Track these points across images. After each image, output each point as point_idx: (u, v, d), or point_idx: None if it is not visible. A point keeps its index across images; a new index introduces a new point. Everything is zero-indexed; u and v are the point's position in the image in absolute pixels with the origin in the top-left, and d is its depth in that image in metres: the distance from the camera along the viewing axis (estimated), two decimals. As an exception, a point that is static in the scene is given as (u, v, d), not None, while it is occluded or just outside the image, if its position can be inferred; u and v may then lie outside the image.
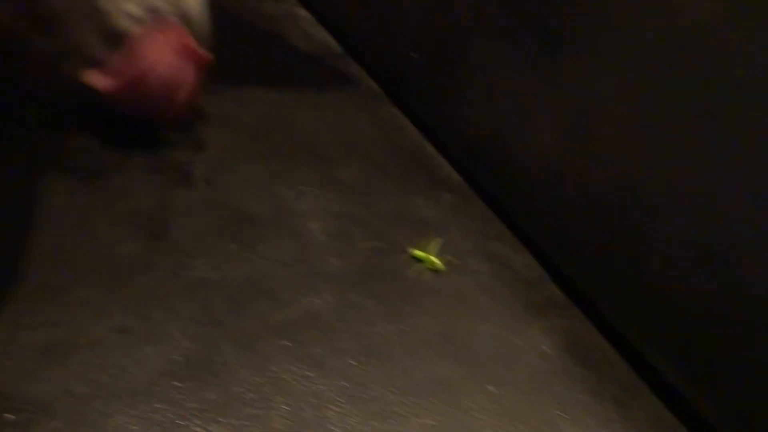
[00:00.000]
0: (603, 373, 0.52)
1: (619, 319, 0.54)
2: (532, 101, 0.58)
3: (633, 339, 0.53)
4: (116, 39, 0.49)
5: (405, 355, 0.48)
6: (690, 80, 0.46)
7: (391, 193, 0.64)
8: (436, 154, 0.72)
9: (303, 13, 0.93)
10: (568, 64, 0.54)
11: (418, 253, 0.55)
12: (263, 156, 0.63)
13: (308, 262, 0.53)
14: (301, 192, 0.60)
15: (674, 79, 0.47)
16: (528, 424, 0.45)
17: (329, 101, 0.76)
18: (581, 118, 0.54)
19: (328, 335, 0.47)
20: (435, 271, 0.55)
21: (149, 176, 0.56)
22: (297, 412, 0.42)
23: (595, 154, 0.53)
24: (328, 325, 0.48)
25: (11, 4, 0.48)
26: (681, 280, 0.48)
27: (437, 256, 0.56)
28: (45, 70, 0.51)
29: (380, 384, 0.45)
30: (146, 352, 0.43)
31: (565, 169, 0.56)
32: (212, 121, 0.64)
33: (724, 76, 0.44)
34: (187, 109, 0.53)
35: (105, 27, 0.48)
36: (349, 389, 0.44)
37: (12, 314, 0.42)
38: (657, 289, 0.50)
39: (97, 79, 0.49)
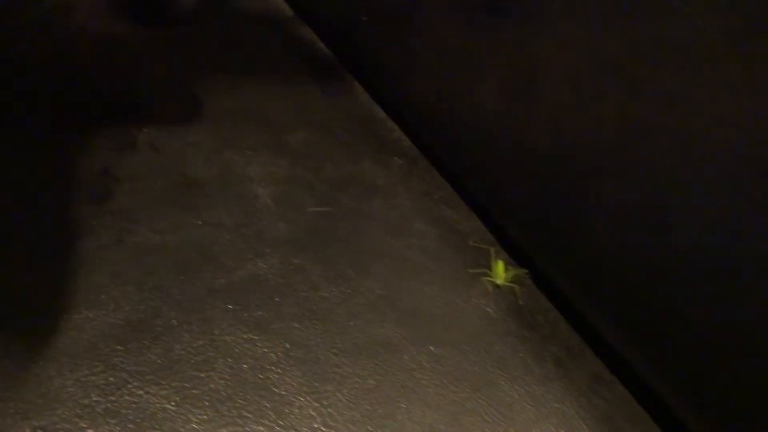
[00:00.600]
0: (546, 334, 0.53)
1: (561, 280, 0.55)
2: (477, 63, 0.58)
3: (575, 300, 0.54)
4: None
5: (348, 317, 0.48)
6: (629, 42, 0.46)
7: (340, 158, 0.64)
8: (387, 118, 0.72)
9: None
10: (512, 27, 0.55)
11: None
12: (210, 122, 0.62)
13: (254, 226, 0.53)
14: (248, 157, 0.59)
15: (614, 41, 0.47)
16: (468, 383, 0.46)
17: (279, 66, 0.76)
18: (523, 78, 0.54)
19: (272, 299, 0.48)
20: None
21: (94, 141, 0.55)
22: (238, 373, 0.42)
23: (536, 114, 0.53)
24: (273, 289, 0.48)
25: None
26: (624, 242, 0.49)
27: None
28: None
29: (322, 346, 0.46)
30: (87, 316, 0.43)
31: (508, 130, 0.56)
32: (158, 87, 0.64)
33: (663, 38, 0.45)
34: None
35: None
36: (291, 351, 0.44)
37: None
38: (600, 250, 0.50)
39: None
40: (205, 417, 0.40)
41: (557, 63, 0.49)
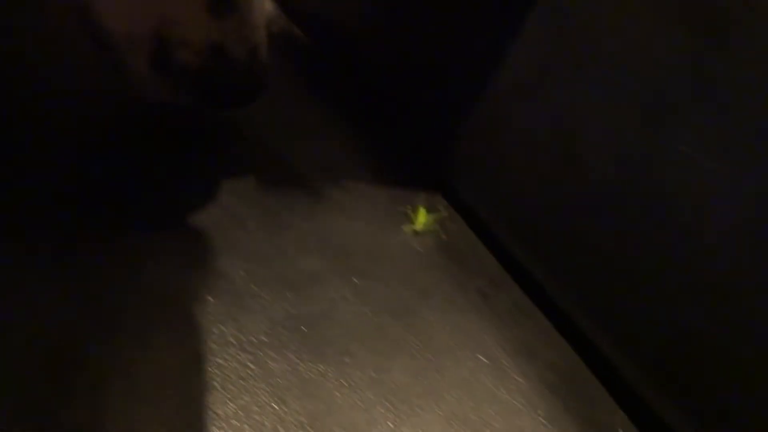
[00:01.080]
0: (471, 267, 0.55)
1: (486, 212, 0.57)
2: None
3: (498, 232, 0.56)
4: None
5: (275, 252, 0.50)
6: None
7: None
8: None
9: None
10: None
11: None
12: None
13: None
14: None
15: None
16: (389, 312, 0.48)
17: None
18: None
19: (200, 238, 0.49)
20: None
21: None
22: (165, 306, 0.44)
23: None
24: (201, 230, 0.50)
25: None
26: (538, 170, 0.51)
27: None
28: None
29: (246, 279, 0.47)
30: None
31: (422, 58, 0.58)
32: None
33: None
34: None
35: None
36: (214, 283, 0.46)
37: None
38: (517, 178, 0.52)
39: None
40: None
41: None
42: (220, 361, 0.41)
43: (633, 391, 0.47)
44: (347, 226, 0.54)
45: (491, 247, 0.57)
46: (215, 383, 0.39)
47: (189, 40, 0.46)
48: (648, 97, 0.42)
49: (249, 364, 0.41)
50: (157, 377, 0.39)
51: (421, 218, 0.55)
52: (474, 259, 0.56)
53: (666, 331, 0.43)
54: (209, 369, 0.40)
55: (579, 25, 0.46)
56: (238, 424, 0.38)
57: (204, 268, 0.47)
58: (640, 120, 0.42)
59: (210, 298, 0.45)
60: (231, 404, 0.39)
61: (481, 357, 0.47)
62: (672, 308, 0.42)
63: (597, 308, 0.49)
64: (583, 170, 0.46)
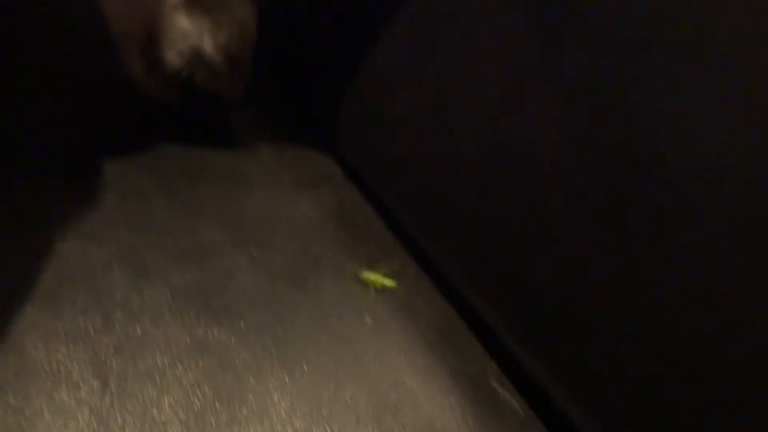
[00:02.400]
0: (361, 233, 0.60)
1: (376, 185, 0.62)
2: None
3: (385, 200, 0.61)
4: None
5: (176, 224, 0.53)
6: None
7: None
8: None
9: None
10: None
11: (368, 276, 0.55)
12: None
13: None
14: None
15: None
16: (283, 279, 0.52)
17: None
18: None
19: (103, 212, 0.52)
20: (384, 288, 0.55)
21: None
22: (71, 276, 0.47)
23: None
24: (106, 202, 0.53)
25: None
26: (421, 149, 0.56)
27: (385, 275, 0.56)
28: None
29: (149, 250, 0.51)
30: None
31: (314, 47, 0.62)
32: None
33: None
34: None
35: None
36: (119, 254, 0.49)
37: None
38: (400, 150, 0.57)
39: None
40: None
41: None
42: (124, 327, 0.44)
43: (503, 345, 0.53)
44: (246, 196, 0.58)
45: (380, 214, 0.61)
46: (122, 347, 0.43)
47: (174, 41, 0.51)
48: (506, 84, 0.47)
49: (150, 329, 0.45)
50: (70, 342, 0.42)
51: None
52: (364, 225, 0.61)
53: (525, 286, 0.49)
54: (115, 333, 0.44)
55: (450, 21, 0.50)
56: (139, 384, 0.42)
57: (108, 239, 0.50)
58: (499, 102, 0.47)
59: (115, 267, 0.48)
60: (132, 367, 0.42)
61: (366, 318, 0.52)
62: (527, 265, 0.48)
63: (470, 269, 0.54)
64: (453, 145, 0.52)
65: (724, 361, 0.38)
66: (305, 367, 0.46)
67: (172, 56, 0.52)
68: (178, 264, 0.50)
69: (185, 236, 0.53)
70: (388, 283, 0.54)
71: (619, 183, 0.42)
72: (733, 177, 0.37)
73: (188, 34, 0.51)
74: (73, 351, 0.42)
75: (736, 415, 0.37)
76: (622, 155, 0.42)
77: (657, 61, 0.39)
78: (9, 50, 0.52)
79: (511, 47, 0.47)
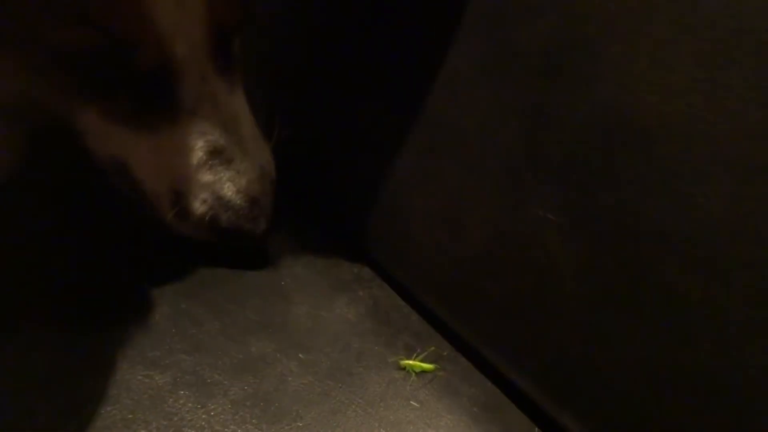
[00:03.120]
0: (397, 326, 0.65)
1: (405, 279, 0.67)
2: None
3: (417, 292, 0.66)
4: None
5: (229, 342, 0.59)
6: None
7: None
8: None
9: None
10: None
11: (407, 363, 0.60)
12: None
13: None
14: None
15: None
16: (330, 377, 0.57)
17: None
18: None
19: (161, 338, 0.58)
20: (424, 371, 0.60)
21: None
22: (143, 402, 0.52)
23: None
24: (163, 332, 0.59)
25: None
26: (434, 241, 0.61)
27: (423, 361, 0.60)
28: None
29: (209, 369, 0.56)
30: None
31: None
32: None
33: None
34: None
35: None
36: (181, 377, 0.55)
37: None
38: (418, 250, 0.63)
39: None
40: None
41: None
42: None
43: (543, 411, 0.57)
44: (288, 307, 0.64)
45: (413, 307, 0.67)
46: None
47: (197, 193, 0.58)
48: (503, 180, 0.53)
49: (219, 440, 0.50)
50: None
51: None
52: (399, 319, 0.66)
53: (550, 354, 0.53)
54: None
55: (445, 132, 0.57)
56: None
57: (170, 364, 0.56)
58: (500, 197, 0.53)
59: (180, 390, 0.54)
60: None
61: (412, 402, 0.56)
62: (549, 336, 0.53)
63: (501, 345, 0.59)
64: (466, 238, 0.57)
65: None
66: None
67: (197, 204, 0.58)
68: (236, 378, 0.55)
69: (239, 351, 0.58)
70: (427, 367, 0.58)
71: (619, 251, 0.47)
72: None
73: (211, 184, 0.57)
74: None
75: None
76: (616, 226, 0.47)
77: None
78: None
79: (501, 147, 0.53)
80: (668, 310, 0.45)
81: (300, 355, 0.59)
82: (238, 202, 0.60)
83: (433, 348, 0.60)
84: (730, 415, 0.43)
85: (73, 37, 0.47)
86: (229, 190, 0.59)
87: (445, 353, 0.63)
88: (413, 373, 0.58)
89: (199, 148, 0.56)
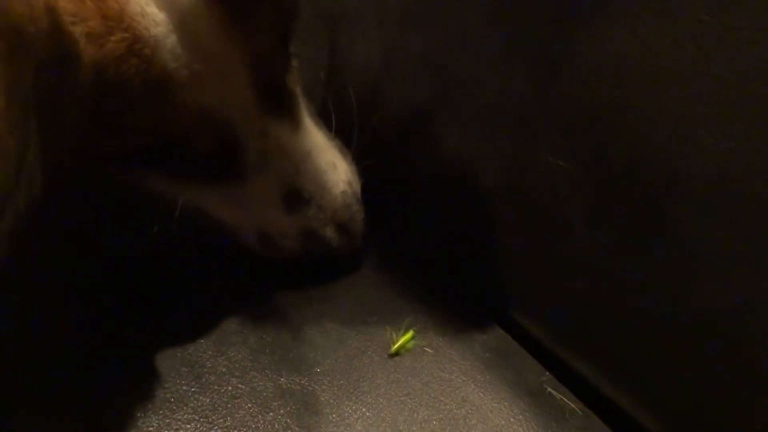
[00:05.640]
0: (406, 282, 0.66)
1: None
2: None
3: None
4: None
5: (246, 294, 0.60)
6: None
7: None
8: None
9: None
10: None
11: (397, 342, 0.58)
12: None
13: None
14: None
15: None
16: (347, 326, 0.59)
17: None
18: None
19: (185, 293, 0.59)
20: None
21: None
22: (159, 353, 0.54)
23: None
24: (185, 284, 0.60)
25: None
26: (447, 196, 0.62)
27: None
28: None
29: (226, 319, 0.57)
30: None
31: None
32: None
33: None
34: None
35: None
36: (201, 328, 0.56)
37: None
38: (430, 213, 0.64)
39: None
40: None
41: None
42: (217, 387, 0.51)
43: (554, 355, 0.58)
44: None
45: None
46: (217, 403, 0.50)
47: (284, 232, 0.58)
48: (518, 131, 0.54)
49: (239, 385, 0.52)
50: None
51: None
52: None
53: (562, 298, 0.55)
54: (210, 393, 0.51)
55: (457, 84, 0.57)
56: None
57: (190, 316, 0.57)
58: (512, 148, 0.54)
59: (201, 340, 0.55)
60: (229, 420, 0.49)
61: (426, 348, 0.58)
62: (558, 281, 0.54)
63: (512, 291, 0.60)
64: (478, 190, 0.58)
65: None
66: (380, 399, 0.52)
67: (287, 242, 0.59)
68: (255, 327, 0.57)
69: (257, 303, 0.59)
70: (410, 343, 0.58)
71: (629, 197, 0.48)
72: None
73: (295, 224, 0.57)
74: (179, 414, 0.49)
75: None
76: (627, 171, 0.48)
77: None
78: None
79: (512, 97, 0.54)
80: (679, 254, 0.45)
81: (316, 306, 0.60)
82: (328, 234, 0.60)
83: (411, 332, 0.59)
84: (744, 357, 0.44)
85: (126, 148, 0.46)
86: (315, 226, 0.59)
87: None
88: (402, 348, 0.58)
89: (274, 196, 0.55)
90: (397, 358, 0.56)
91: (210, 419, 0.48)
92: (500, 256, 0.59)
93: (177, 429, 0.48)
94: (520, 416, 0.52)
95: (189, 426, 0.48)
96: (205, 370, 0.53)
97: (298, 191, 0.56)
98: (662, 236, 0.46)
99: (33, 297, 0.56)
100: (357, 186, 0.63)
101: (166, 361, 0.53)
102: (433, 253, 0.67)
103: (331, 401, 0.51)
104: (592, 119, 0.47)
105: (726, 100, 0.41)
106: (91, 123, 0.41)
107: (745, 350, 0.43)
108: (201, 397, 0.50)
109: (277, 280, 0.63)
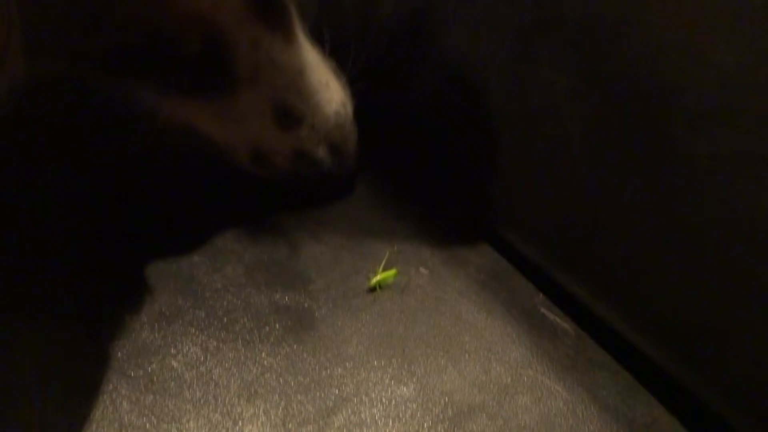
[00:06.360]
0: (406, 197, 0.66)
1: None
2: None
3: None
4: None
5: (241, 213, 0.60)
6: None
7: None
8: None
9: None
10: None
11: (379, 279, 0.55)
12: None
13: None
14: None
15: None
16: (342, 247, 0.59)
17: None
18: None
19: (179, 210, 0.59)
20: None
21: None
22: (155, 269, 0.54)
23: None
24: (180, 203, 0.59)
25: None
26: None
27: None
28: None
29: (222, 237, 0.57)
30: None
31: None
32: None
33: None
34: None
35: None
36: (196, 245, 0.56)
37: None
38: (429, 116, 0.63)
39: None
40: None
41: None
42: (212, 302, 0.51)
43: (547, 276, 0.58)
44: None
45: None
46: (212, 317, 0.50)
47: (276, 150, 0.57)
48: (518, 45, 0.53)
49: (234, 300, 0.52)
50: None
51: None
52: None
53: (554, 216, 0.55)
54: (205, 308, 0.51)
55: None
56: (233, 345, 0.48)
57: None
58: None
59: (196, 257, 0.55)
60: (225, 333, 0.49)
61: (422, 269, 0.58)
62: (553, 197, 0.54)
63: (505, 209, 0.60)
64: (477, 106, 0.57)
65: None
66: (374, 316, 0.52)
67: (277, 161, 0.57)
68: (250, 245, 0.57)
69: (252, 222, 0.59)
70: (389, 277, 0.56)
71: (629, 111, 0.47)
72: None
73: (287, 143, 0.56)
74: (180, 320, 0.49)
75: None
76: (627, 85, 0.47)
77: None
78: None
79: (513, 11, 0.53)
80: (678, 170, 0.45)
81: (311, 226, 0.60)
82: (320, 155, 0.59)
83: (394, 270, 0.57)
84: (739, 274, 0.44)
85: (110, 44, 0.44)
86: (307, 145, 0.58)
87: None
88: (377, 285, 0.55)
89: (266, 112, 0.54)
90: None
91: (205, 332, 0.48)
92: (496, 176, 0.59)
93: (173, 341, 0.47)
94: (513, 335, 0.52)
95: (184, 338, 0.48)
96: (200, 286, 0.53)
97: (290, 109, 0.55)
98: (662, 152, 0.45)
99: (27, 214, 0.55)
100: (350, 107, 0.62)
101: (161, 277, 0.53)
102: (428, 175, 0.67)
103: (326, 317, 0.51)
104: (594, 31, 0.47)
105: (733, 13, 0.40)
106: (75, 12, 0.40)
107: (741, 268, 0.43)
108: (196, 311, 0.50)
109: (274, 201, 0.63)
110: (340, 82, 0.61)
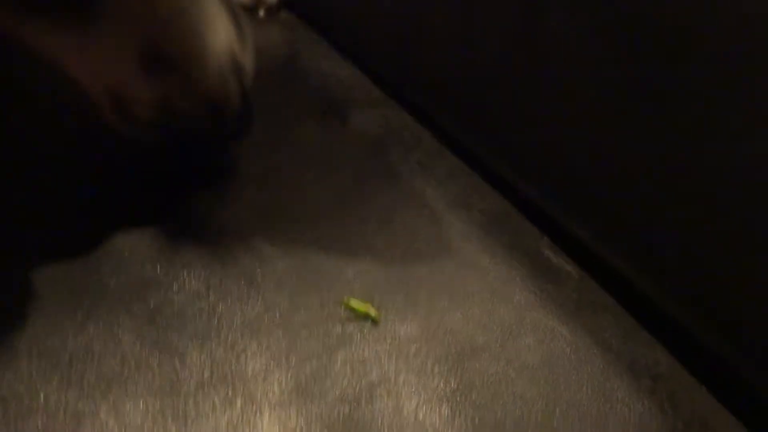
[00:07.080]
0: (410, 145, 0.65)
1: (418, 97, 0.67)
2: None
3: (430, 110, 0.66)
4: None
5: (244, 156, 0.59)
6: None
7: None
8: None
9: None
10: None
11: (354, 304, 0.48)
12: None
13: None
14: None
15: None
16: (346, 189, 0.59)
17: None
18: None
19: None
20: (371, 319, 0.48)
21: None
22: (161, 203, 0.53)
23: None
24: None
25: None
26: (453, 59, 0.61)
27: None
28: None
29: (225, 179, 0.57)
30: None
31: None
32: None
33: None
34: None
35: None
36: (200, 186, 0.55)
37: None
38: (436, 68, 0.62)
39: None
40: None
41: None
42: (214, 241, 0.51)
43: (551, 219, 0.58)
44: (298, 123, 0.64)
45: (424, 124, 0.67)
46: (214, 255, 0.50)
47: (137, 97, 0.49)
48: None
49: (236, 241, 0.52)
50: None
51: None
52: (410, 137, 0.66)
53: (560, 162, 0.54)
54: (208, 247, 0.50)
55: None
56: (237, 284, 0.48)
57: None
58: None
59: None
60: (226, 269, 0.49)
61: (425, 211, 0.57)
62: (559, 145, 0.53)
63: (512, 157, 0.60)
64: (481, 49, 0.56)
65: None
66: (377, 258, 0.52)
67: (140, 110, 0.49)
68: (253, 187, 0.57)
69: (257, 165, 0.58)
70: (373, 313, 0.47)
71: (639, 53, 0.46)
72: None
73: (153, 90, 0.48)
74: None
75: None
76: (638, 27, 0.46)
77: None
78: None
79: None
80: (687, 113, 0.44)
81: (315, 169, 0.59)
82: (193, 111, 0.50)
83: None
84: (743, 218, 0.43)
85: None
86: (176, 97, 0.49)
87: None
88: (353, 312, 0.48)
89: (130, 50, 0.46)
90: (395, 218, 0.55)
91: (208, 269, 0.48)
92: (503, 120, 0.58)
93: (175, 277, 0.47)
94: (518, 278, 0.52)
95: (185, 270, 0.48)
96: (201, 225, 0.52)
97: (161, 52, 0.47)
98: (671, 95, 0.44)
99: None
100: (248, 61, 0.54)
101: (160, 215, 0.52)
102: (435, 120, 0.66)
103: (329, 261, 0.51)
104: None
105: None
106: None
107: (745, 211, 0.43)
108: (198, 249, 0.50)
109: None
110: (240, 29, 0.52)
